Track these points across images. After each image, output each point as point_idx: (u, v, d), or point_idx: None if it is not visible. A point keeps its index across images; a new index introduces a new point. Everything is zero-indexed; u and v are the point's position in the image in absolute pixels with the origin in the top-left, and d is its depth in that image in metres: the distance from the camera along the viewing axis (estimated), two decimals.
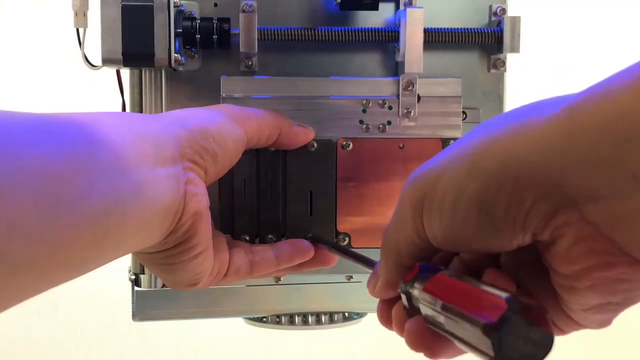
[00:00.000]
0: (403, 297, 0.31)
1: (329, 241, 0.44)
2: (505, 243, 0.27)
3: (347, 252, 0.41)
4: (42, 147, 0.27)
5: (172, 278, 0.38)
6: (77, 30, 0.44)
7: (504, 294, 0.24)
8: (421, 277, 0.29)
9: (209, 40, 0.43)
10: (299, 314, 0.49)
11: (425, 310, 0.28)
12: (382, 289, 0.33)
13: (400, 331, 0.32)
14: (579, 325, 0.29)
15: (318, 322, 0.50)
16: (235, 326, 1.02)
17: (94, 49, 0.43)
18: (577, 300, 0.27)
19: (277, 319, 0.49)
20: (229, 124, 0.39)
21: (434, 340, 0.29)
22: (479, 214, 0.26)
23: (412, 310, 0.30)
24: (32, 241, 0.26)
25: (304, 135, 0.43)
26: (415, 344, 0.29)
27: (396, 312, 0.32)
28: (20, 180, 0.25)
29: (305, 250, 0.43)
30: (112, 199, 0.29)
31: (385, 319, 0.34)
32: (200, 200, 0.36)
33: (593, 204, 0.24)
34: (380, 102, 0.45)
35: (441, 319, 0.27)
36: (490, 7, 0.46)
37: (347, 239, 0.45)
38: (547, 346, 0.24)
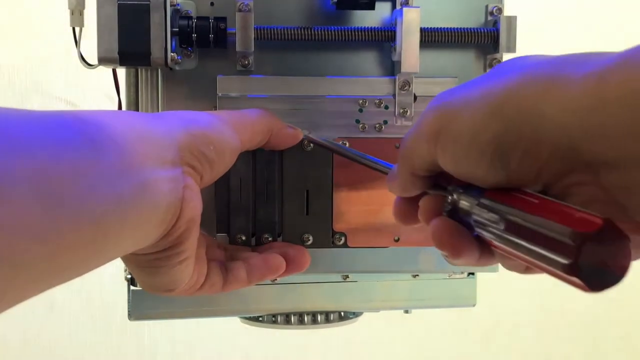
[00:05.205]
0: (450, 196, 0.31)
1: (329, 143, 0.43)
2: (516, 185, 0.27)
3: (355, 156, 0.41)
4: (46, 146, 0.27)
5: (152, 281, 0.38)
6: (73, 29, 0.44)
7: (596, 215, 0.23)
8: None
9: (205, 39, 0.43)
10: (295, 314, 0.49)
11: (480, 213, 0.28)
12: (399, 189, 0.35)
13: (426, 222, 0.33)
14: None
15: (314, 321, 0.50)
16: (231, 326, 1.02)
17: (91, 48, 0.43)
18: None
19: (273, 319, 0.49)
20: (229, 133, 0.39)
21: (460, 241, 0.29)
22: (493, 156, 0.27)
23: (453, 212, 0.30)
24: (34, 241, 0.25)
25: (292, 138, 0.43)
26: (442, 241, 0.30)
27: (426, 205, 0.33)
28: (23, 179, 0.25)
29: (277, 266, 0.43)
30: (113, 199, 0.29)
31: (401, 215, 0.36)
32: (196, 207, 0.36)
33: (609, 170, 0.24)
34: (377, 101, 0.45)
35: (500, 225, 0.27)
36: (487, 6, 0.46)
37: (343, 238, 0.45)
38: (616, 278, 0.23)
